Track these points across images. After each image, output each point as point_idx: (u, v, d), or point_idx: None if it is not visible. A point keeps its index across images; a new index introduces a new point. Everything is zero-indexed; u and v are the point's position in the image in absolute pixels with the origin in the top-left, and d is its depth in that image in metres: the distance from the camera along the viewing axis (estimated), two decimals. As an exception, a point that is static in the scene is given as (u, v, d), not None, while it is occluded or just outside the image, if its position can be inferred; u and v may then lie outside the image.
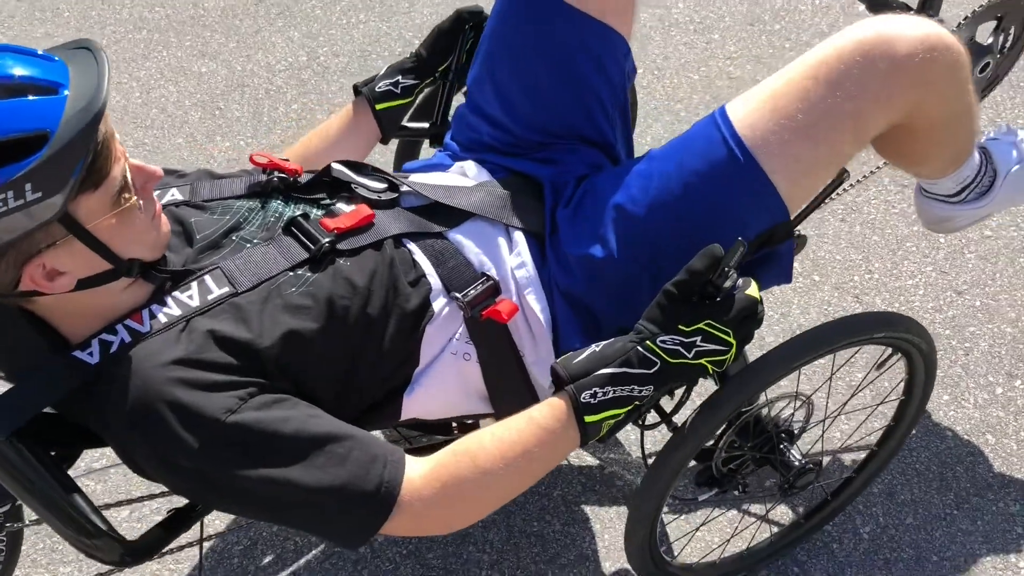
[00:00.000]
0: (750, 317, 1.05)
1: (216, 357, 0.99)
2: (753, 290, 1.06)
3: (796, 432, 1.31)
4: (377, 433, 1.30)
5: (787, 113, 1.12)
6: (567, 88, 1.31)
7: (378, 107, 1.43)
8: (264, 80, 2.58)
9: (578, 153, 1.33)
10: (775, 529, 1.49)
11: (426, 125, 1.63)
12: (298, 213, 1.15)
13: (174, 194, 1.17)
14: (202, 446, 0.95)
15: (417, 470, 1.01)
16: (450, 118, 1.61)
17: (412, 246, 1.19)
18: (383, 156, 1.84)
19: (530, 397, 1.23)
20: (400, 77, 1.45)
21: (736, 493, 1.33)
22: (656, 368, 1.02)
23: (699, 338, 1.03)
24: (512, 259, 1.22)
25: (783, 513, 1.55)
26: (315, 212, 1.18)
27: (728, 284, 1.02)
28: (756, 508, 1.55)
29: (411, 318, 1.14)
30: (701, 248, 1.14)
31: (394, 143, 1.64)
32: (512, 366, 1.22)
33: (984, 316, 1.84)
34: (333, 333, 1.08)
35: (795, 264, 1.35)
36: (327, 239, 1.12)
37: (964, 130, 1.24)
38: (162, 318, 1.02)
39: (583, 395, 1.01)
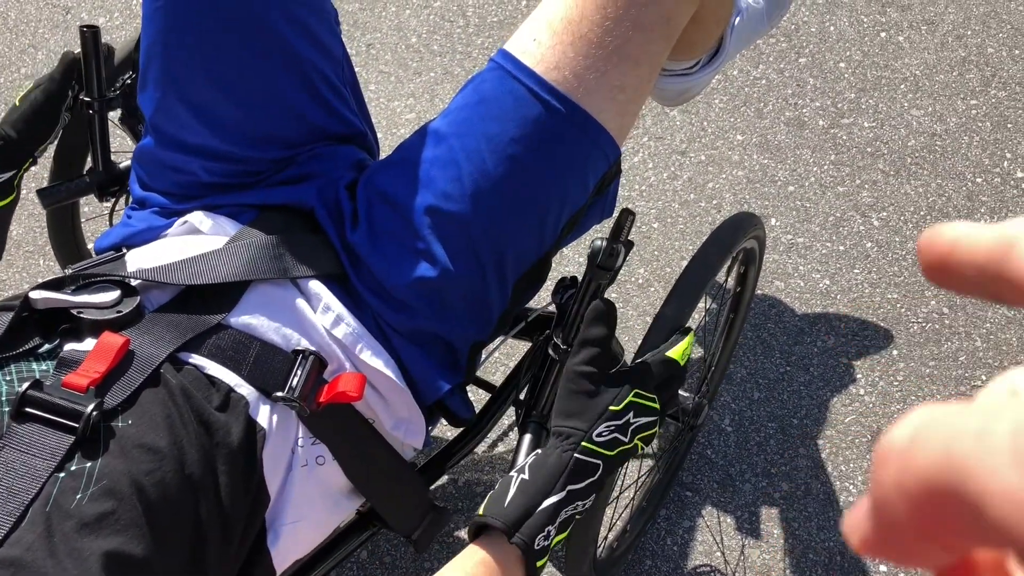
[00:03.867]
0: (675, 377, 0.90)
1: None
2: (676, 351, 0.91)
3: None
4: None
5: (592, 39, 0.93)
6: (287, 76, 1.00)
7: None
8: None
9: (331, 157, 1.05)
10: (659, 465, 1.40)
11: (83, 179, 1.23)
12: (24, 385, 0.78)
13: None
14: None
15: None
16: (114, 159, 1.23)
17: (197, 359, 0.87)
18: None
19: (402, 470, 1.00)
20: None
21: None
22: (600, 470, 0.82)
23: (631, 414, 0.84)
24: (322, 318, 0.94)
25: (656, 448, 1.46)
26: (44, 370, 0.81)
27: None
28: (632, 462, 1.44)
29: (241, 453, 0.84)
30: (547, 223, 0.98)
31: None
32: (372, 443, 0.97)
33: (714, 168, 1.84)
34: (160, 526, 0.76)
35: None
36: (89, 404, 0.77)
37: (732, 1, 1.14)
38: None
39: (536, 542, 0.78)
